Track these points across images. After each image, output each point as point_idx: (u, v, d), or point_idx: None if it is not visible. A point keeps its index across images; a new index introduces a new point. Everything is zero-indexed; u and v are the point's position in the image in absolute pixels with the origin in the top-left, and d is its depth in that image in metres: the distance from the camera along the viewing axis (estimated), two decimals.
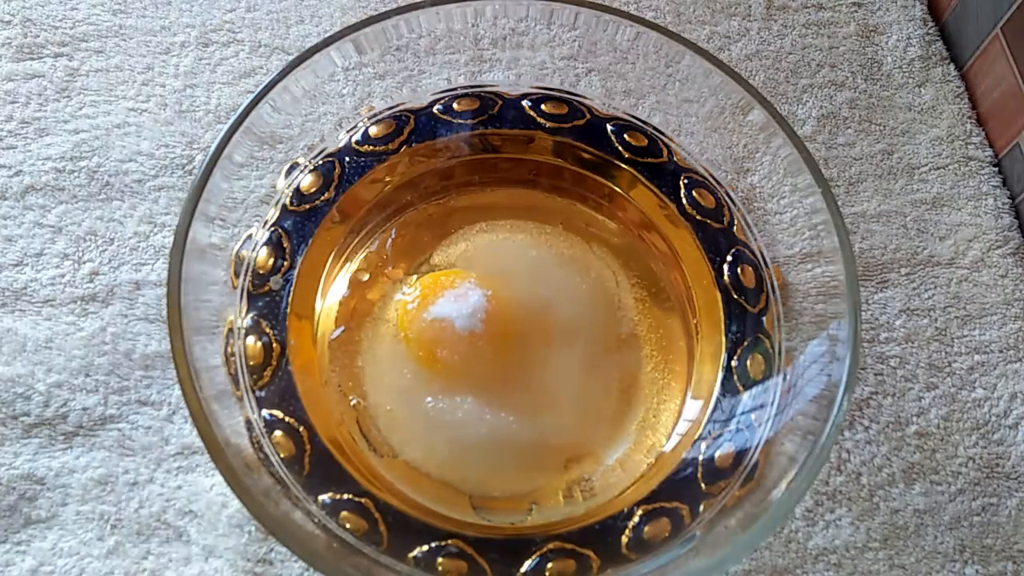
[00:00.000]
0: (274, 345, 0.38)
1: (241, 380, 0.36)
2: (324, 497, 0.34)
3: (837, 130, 0.50)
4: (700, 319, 0.41)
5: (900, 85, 0.52)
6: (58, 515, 0.38)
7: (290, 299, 0.39)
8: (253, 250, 0.39)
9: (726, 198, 0.42)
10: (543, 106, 0.44)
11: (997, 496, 0.41)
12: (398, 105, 0.43)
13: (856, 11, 0.55)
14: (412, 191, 0.43)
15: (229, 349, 0.36)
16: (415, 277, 0.41)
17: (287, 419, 0.36)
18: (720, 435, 0.37)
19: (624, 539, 0.35)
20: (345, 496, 0.34)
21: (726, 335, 0.39)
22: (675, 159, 0.43)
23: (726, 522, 0.34)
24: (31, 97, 0.48)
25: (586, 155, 0.43)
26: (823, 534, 0.39)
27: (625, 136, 0.43)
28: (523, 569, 0.34)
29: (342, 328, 0.40)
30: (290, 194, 0.41)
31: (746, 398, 0.38)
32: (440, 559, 0.34)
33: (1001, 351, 0.44)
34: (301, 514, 0.33)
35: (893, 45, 0.54)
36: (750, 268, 0.40)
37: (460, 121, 0.43)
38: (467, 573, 0.34)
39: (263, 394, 0.36)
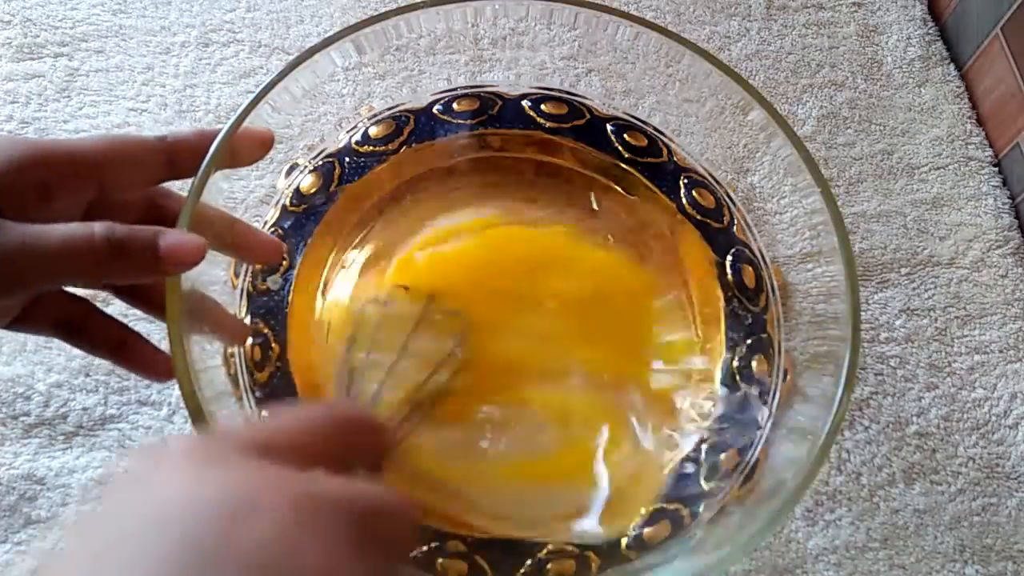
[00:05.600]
0: (273, 345, 0.38)
1: (241, 380, 0.36)
2: None
3: (837, 130, 0.50)
4: (700, 319, 0.41)
5: (900, 85, 0.52)
6: (58, 515, 0.38)
7: (290, 299, 0.39)
8: None
9: (726, 198, 0.42)
10: (543, 106, 0.44)
11: (997, 496, 0.41)
12: (398, 105, 0.43)
13: (856, 11, 0.55)
14: (412, 191, 0.43)
15: (229, 350, 0.36)
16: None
17: None
18: (720, 435, 0.37)
19: (624, 539, 0.35)
20: None
21: (727, 335, 0.39)
22: (675, 159, 0.43)
23: (726, 522, 0.34)
24: (31, 97, 0.48)
25: (586, 155, 0.43)
26: (823, 534, 0.39)
27: (625, 136, 0.43)
28: (523, 569, 0.34)
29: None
30: (290, 194, 0.41)
31: (746, 398, 0.38)
32: (440, 559, 0.34)
33: (1001, 351, 0.44)
34: None
35: (893, 45, 0.54)
36: (750, 268, 0.40)
37: (460, 121, 0.43)
38: (467, 573, 0.34)
39: (262, 394, 0.36)
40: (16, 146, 0.28)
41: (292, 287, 0.39)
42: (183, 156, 0.32)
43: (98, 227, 0.28)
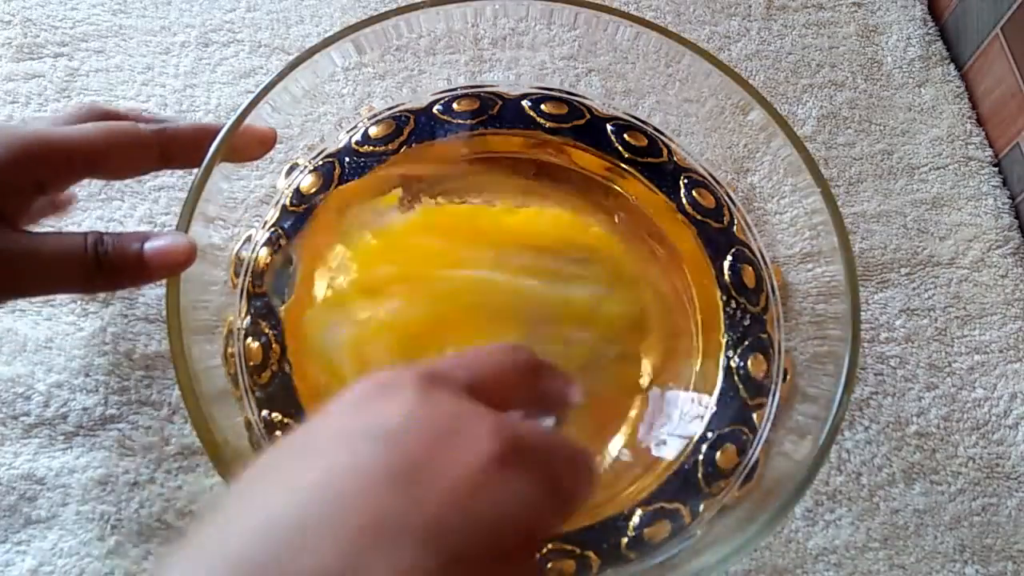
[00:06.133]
0: (273, 346, 0.38)
1: (241, 381, 0.36)
2: None
3: (837, 130, 0.50)
4: (701, 319, 0.41)
5: (900, 85, 0.52)
6: (58, 515, 0.38)
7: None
8: (253, 251, 0.39)
9: (726, 198, 0.42)
10: (543, 106, 0.44)
11: (997, 496, 0.41)
12: (398, 105, 0.43)
13: (856, 11, 0.55)
14: (411, 191, 0.43)
15: (229, 350, 0.36)
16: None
17: (286, 420, 0.36)
18: (720, 435, 0.37)
19: (624, 539, 0.35)
20: None
21: (727, 335, 0.39)
22: (675, 159, 0.43)
23: (726, 522, 0.34)
24: (31, 97, 0.48)
25: (586, 155, 0.43)
26: (823, 534, 0.39)
27: (625, 136, 0.43)
28: None
29: None
30: (290, 194, 0.41)
31: (746, 397, 0.38)
32: None
33: (1001, 351, 0.44)
34: None
35: (893, 45, 0.54)
36: (750, 268, 0.41)
37: (460, 121, 0.43)
38: None
39: (263, 395, 0.36)
40: (11, 141, 0.29)
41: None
42: (177, 149, 0.32)
43: (88, 239, 0.28)
